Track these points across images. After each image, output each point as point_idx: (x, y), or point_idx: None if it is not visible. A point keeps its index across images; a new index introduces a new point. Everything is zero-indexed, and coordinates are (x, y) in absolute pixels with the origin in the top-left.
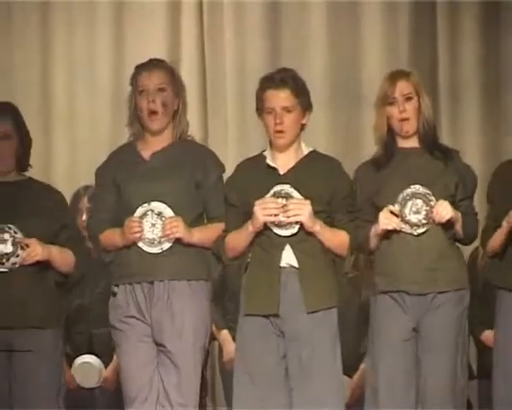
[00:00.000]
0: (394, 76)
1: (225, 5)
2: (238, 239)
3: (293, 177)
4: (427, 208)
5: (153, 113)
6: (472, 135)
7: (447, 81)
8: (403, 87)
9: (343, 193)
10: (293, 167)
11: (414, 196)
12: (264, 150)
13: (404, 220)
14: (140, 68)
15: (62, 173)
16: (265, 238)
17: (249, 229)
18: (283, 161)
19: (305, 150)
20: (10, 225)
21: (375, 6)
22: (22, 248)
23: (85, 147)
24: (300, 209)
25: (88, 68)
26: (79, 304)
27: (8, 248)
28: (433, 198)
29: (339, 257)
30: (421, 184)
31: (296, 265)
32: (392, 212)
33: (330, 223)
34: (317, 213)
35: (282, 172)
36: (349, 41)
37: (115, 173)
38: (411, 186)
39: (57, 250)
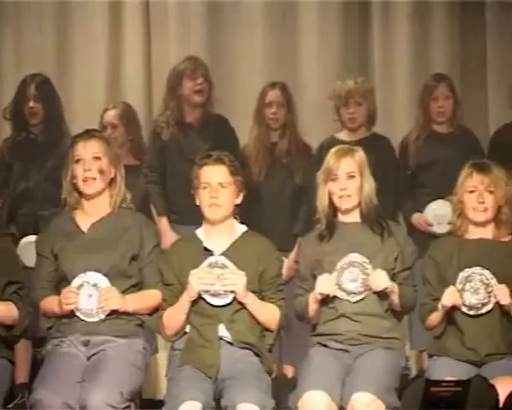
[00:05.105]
0: (339, 153)
1: None
2: (174, 313)
3: (227, 258)
4: (364, 277)
5: (88, 179)
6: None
7: None
8: (346, 165)
9: (273, 272)
10: (227, 250)
11: (351, 264)
12: (197, 228)
13: (341, 288)
14: (76, 138)
15: None
16: (199, 314)
17: (184, 298)
18: (218, 244)
19: (239, 231)
20: None
21: None
22: None
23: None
24: (236, 279)
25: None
26: (25, 187)
27: None
28: (369, 267)
29: (268, 330)
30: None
31: (230, 339)
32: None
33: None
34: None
35: (217, 254)
36: None
37: (53, 243)
38: (349, 255)
39: (1, 305)
